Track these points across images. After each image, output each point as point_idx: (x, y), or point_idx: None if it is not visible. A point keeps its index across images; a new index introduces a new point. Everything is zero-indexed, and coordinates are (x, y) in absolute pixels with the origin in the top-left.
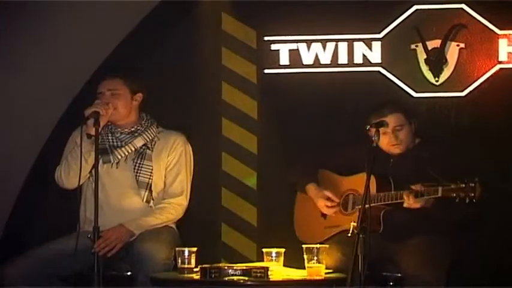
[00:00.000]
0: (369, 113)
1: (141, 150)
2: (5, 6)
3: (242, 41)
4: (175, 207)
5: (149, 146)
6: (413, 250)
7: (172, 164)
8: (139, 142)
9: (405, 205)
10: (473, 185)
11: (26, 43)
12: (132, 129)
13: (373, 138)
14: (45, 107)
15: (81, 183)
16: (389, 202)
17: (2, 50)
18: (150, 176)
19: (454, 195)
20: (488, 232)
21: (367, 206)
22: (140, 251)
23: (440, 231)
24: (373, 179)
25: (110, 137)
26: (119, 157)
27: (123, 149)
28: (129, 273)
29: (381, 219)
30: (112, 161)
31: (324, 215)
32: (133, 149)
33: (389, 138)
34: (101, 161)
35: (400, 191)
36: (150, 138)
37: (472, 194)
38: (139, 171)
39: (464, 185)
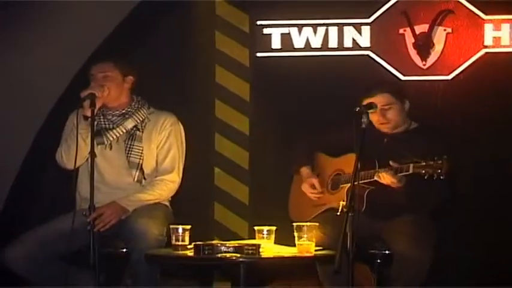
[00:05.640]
0: (361, 94)
1: (132, 131)
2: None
3: (235, 25)
4: (167, 184)
5: (139, 127)
6: (399, 229)
7: (162, 142)
8: (129, 124)
9: (381, 180)
10: (440, 162)
11: (25, 29)
12: (123, 111)
13: (362, 120)
14: (43, 89)
15: (80, 163)
16: (368, 180)
17: (2, 35)
18: (141, 156)
19: (423, 171)
20: (472, 214)
21: (355, 183)
22: (133, 228)
23: (424, 211)
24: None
25: (102, 119)
26: (111, 139)
27: (114, 131)
28: (124, 250)
29: (364, 198)
30: (105, 142)
31: None
32: (124, 130)
33: (378, 117)
34: (95, 142)
35: (379, 169)
36: (141, 119)
37: (439, 171)
38: (130, 152)
39: (432, 162)
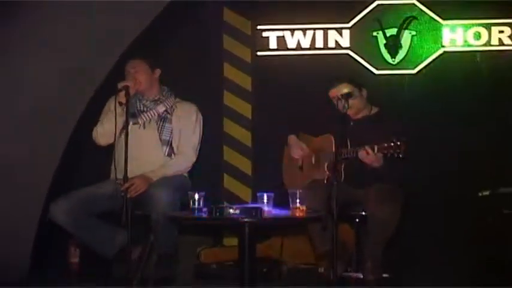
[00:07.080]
0: (327, 86)
1: (163, 115)
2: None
3: (239, 29)
4: (185, 160)
5: (169, 111)
6: (373, 192)
7: (185, 126)
8: (161, 108)
9: (365, 160)
10: (399, 143)
11: (69, 28)
12: (156, 98)
13: (344, 105)
14: (85, 80)
15: (112, 141)
16: (349, 156)
17: (49, 30)
18: (170, 135)
19: (386, 151)
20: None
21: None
22: (152, 194)
23: (391, 181)
24: (334, 140)
25: (138, 104)
26: (144, 119)
27: (148, 113)
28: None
29: (342, 171)
30: (140, 122)
31: (300, 168)
32: (156, 113)
33: (343, 104)
34: (131, 122)
35: (355, 148)
36: (170, 105)
37: (398, 151)
38: (162, 131)
39: (392, 144)
